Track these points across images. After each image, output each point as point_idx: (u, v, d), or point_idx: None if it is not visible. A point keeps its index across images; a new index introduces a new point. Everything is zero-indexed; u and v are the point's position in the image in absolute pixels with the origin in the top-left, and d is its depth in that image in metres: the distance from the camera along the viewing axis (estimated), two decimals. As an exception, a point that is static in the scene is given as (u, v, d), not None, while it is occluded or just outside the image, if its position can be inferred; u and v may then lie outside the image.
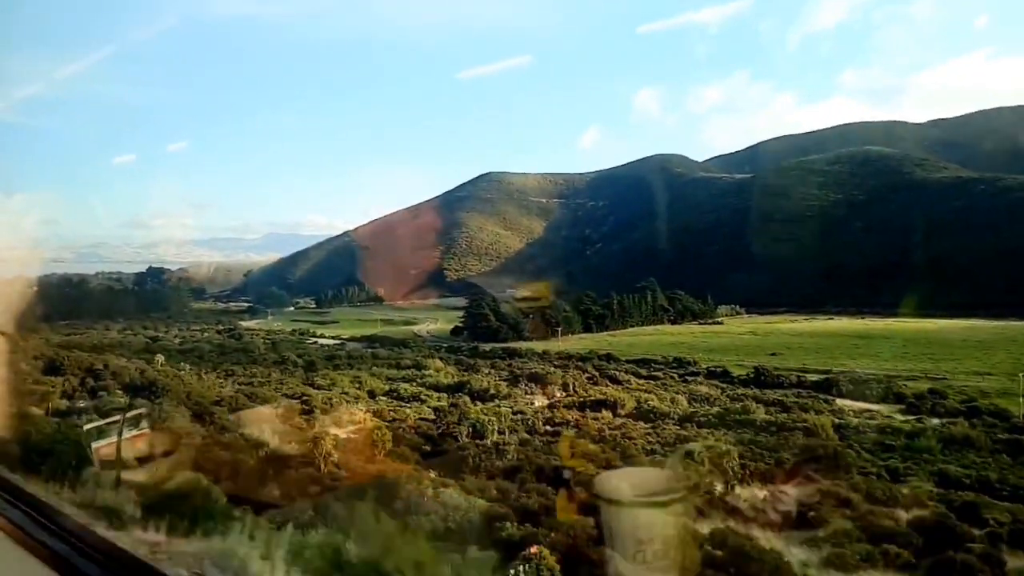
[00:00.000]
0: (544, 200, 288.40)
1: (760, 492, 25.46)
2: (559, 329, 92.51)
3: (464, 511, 17.37)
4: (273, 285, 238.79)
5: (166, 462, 12.75)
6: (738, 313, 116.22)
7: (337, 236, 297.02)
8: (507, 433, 33.78)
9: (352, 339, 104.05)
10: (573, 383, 55.91)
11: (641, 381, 59.15)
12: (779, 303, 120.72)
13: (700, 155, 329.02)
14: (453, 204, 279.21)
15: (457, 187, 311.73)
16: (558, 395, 54.03)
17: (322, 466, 23.03)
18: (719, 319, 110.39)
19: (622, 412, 46.64)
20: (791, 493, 25.41)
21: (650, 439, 36.06)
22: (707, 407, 47.06)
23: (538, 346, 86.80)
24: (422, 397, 51.59)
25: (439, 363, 67.82)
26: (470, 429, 31.32)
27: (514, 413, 44.16)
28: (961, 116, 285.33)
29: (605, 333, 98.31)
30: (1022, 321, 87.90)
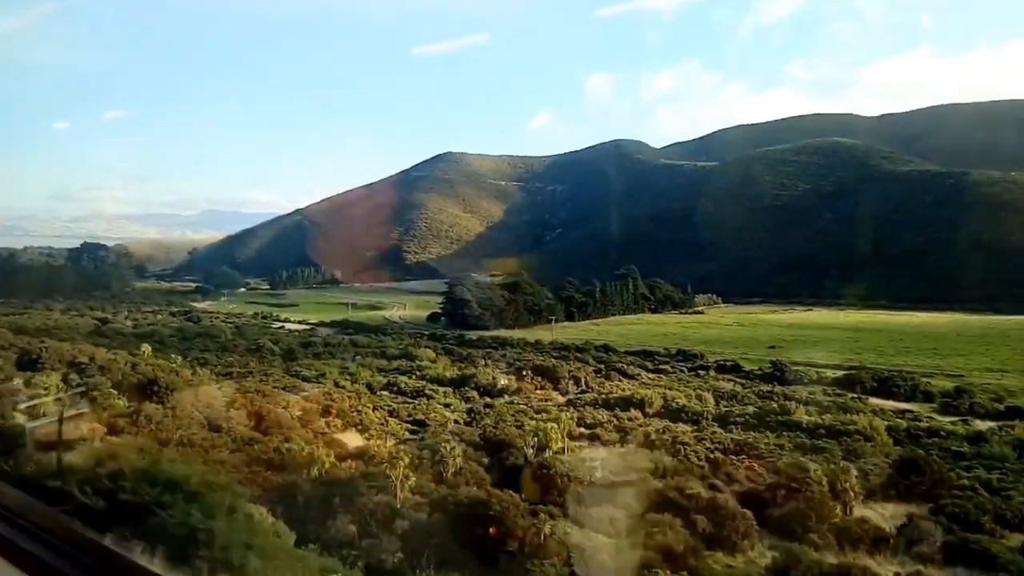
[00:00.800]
0: (503, 183, 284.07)
1: (884, 514, 22.58)
2: (552, 319, 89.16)
3: (591, 553, 13.75)
4: (221, 264, 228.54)
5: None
6: (715, 303, 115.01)
7: (287, 214, 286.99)
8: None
9: (320, 324, 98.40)
10: (584, 377, 52.43)
11: (651, 375, 56.21)
12: (752, 292, 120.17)
13: (653, 142, 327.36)
14: (411, 184, 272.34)
15: (414, 166, 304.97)
16: (572, 390, 50.51)
17: (398, 492, 18.74)
18: (699, 308, 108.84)
19: (650, 411, 43.45)
20: (917, 515, 22.55)
21: (708, 445, 32.80)
22: (739, 406, 44.23)
23: (526, 334, 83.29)
24: (427, 392, 47.31)
25: (430, 353, 63.48)
26: (534, 440, 27.32)
27: (536, 411, 40.52)
28: (910, 112, 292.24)
29: (588, 322, 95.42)
30: (1000, 316, 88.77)
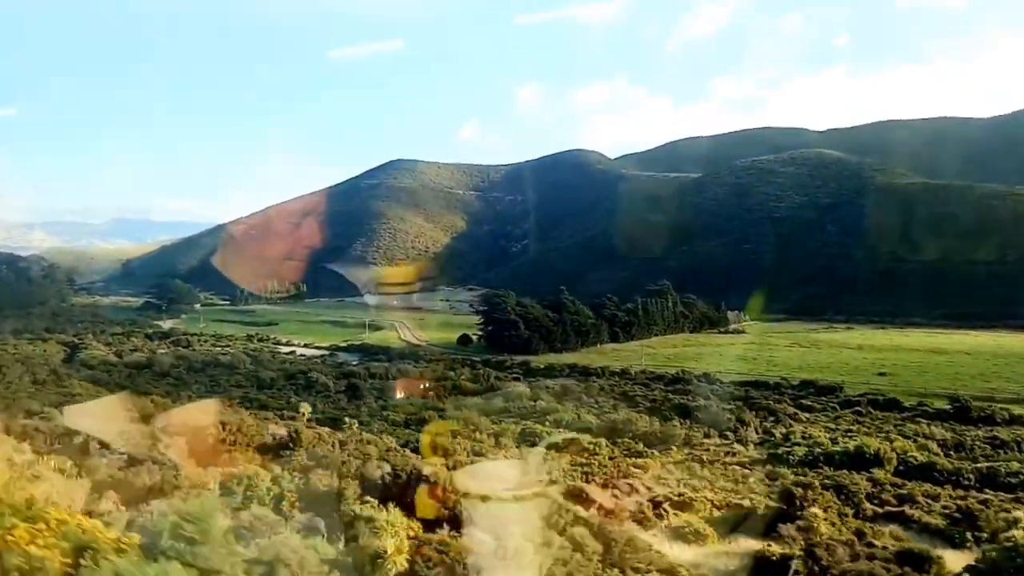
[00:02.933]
0: (461, 192, 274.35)
1: None
2: (597, 341, 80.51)
3: None
4: (160, 275, 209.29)
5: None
6: (743, 320, 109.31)
7: (232, 222, 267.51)
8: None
9: (334, 348, 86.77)
10: (757, 424, 44.38)
11: (806, 414, 48.71)
12: (768, 308, 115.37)
13: (606, 152, 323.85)
14: (363, 192, 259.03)
15: (364, 174, 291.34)
16: (751, 438, 42.32)
17: None
18: (739, 327, 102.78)
19: (888, 469, 35.47)
20: None
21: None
22: (984, 461, 36.88)
23: (584, 358, 74.83)
24: (593, 449, 38.09)
25: (538, 393, 53.89)
26: None
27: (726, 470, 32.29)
28: (855, 127, 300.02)
29: (635, 343, 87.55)
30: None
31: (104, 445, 10.72)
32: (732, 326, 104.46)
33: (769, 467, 36.03)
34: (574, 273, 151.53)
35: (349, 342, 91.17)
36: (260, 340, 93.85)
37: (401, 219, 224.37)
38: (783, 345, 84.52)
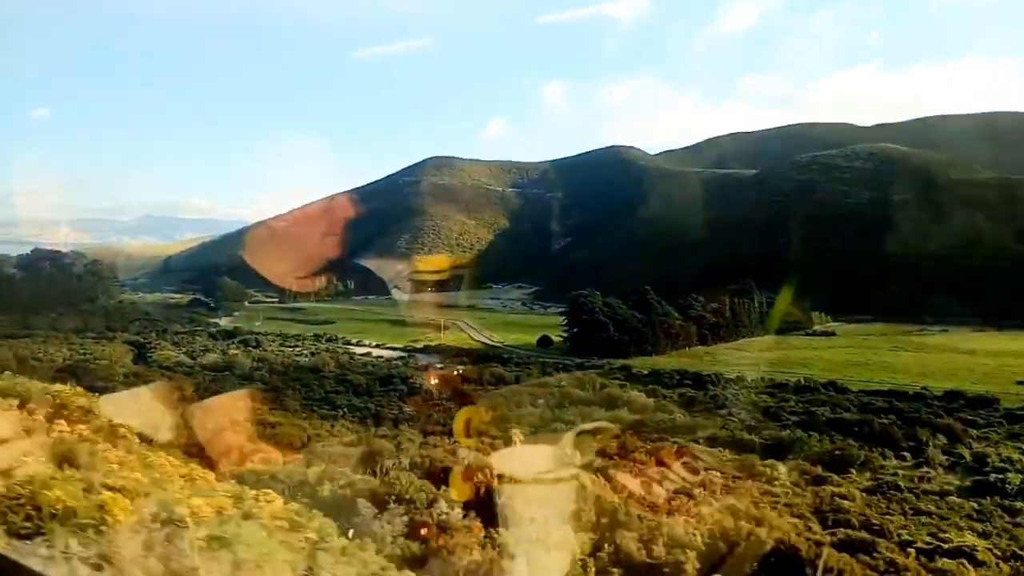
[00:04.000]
0: (501, 189, 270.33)
1: None
2: (686, 344, 75.78)
3: None
4: (202, 272, 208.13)
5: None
6: (825, 321, 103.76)
7: (272, 219, 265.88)
8: None
9: (410, 350, 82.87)
10: (934, 442, 39.58)
11: (973, 430, 43.65)
12: (843, 308, 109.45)
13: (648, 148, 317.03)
14: (401, 189, 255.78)
15: (401, 171, 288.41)
16: (940, 460, 37.59)
17: None
18: (828, 329, 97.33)
19: None
20: None
21: None
22: None
23: (689, 363, 70.13)
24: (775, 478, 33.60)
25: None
26: None
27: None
28: (904, 122, 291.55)
29: (724, 345, 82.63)
30: None
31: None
32: (817, 327, 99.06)
33: (986, 499, 31.31)
34: (627, 271, 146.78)
35: (421, 342, 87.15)
36: (329, 340, 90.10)
37: (444, 216, 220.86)
38: (886, 349, 78.97)
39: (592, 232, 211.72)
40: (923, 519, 28.01)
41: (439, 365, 69.37)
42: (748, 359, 73.42)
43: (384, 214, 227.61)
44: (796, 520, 25.80)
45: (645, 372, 63.66)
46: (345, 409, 47.20)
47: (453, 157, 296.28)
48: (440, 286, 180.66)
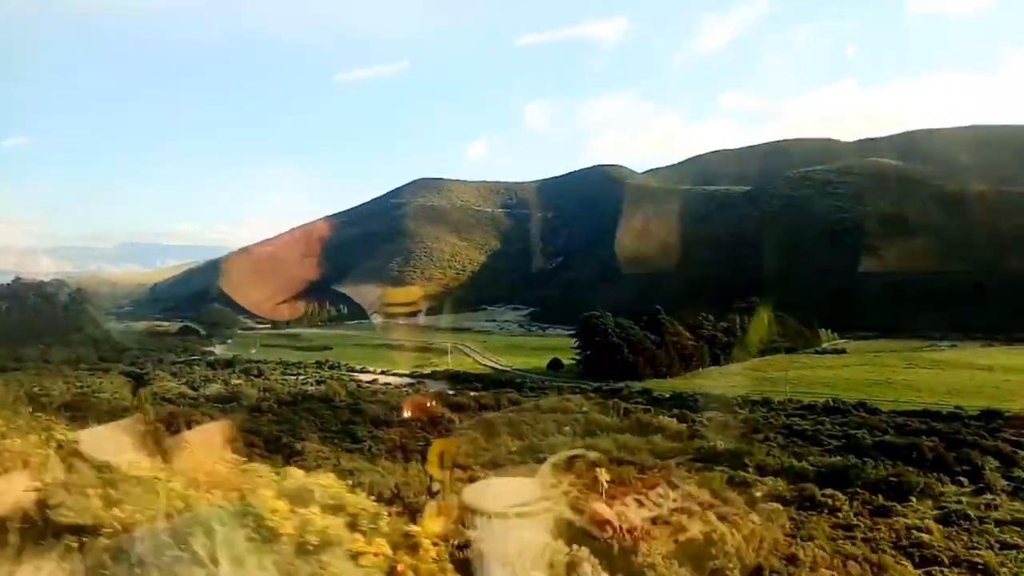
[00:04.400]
0: (490, 210, 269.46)
1: None
2: (699, 365, 74.29)
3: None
4: (188, 299, 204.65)
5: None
6: (833, 338, 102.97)
7: (257, 244, 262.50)
8: None
9: (418, 376, 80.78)
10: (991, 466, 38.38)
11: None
12: (848, 326, 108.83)
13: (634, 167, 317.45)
14: (389, 211, 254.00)
15: (389, 193, 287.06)
16: (1003, 487, 36.39)
17: None
18: (838, 347, 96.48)
19: None
20: None
21: None
22: None
23: (709, 384, 68.68)
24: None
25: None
26: None
27: None
28: (889, 136, 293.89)
29: (736, 365, 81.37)
30: None
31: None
32: (824, 344, 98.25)
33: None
34: (621, 291, 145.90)
35: (426, 368, 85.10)
36: (331, 367, 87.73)
37: (435, 238, 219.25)
38: (901, 366, 78.02)
39: (583, 252, 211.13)
40: (1011, 553, 26.61)
41: (451, 392, 67.31)
42: (766, 379, 72.19)
43: (374, 236, 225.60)
44: (886, 558, 24.33)
45: (667, 395, 62.08)
46: (369, 442, 45.14)
47: (440, 178, 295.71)
48: (433, 309, 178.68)
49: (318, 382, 72.20)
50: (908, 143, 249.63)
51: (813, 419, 52.14)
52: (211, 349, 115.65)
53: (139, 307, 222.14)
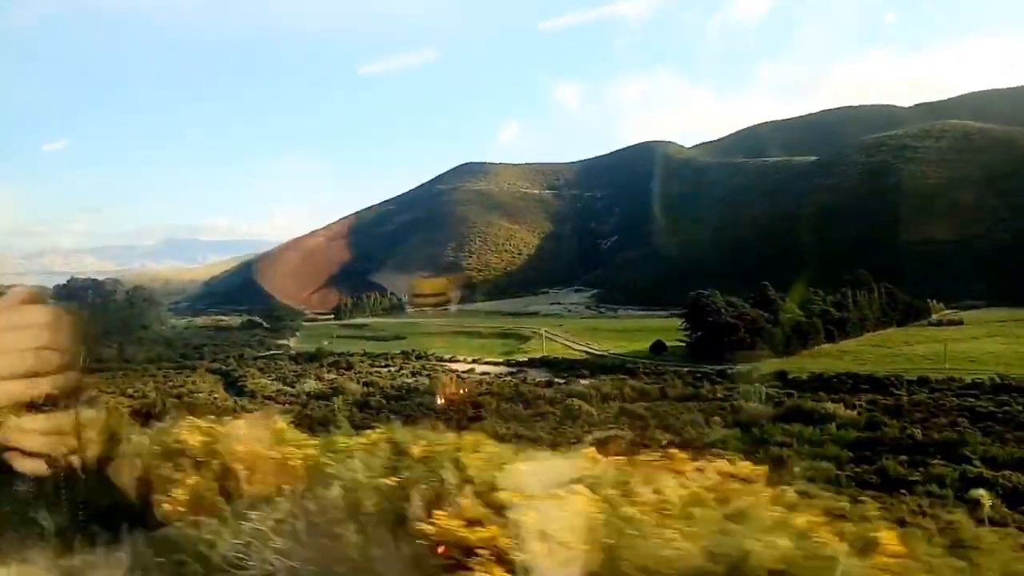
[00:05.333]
0: (537, 191, 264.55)
1: None
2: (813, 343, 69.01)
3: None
4: (239, 292, 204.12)
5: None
6: (940, 309, 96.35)
7: (307, 235, 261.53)
8: None
9: (517, 364, 76.98)
10: None
11: None
12: (950, 295, 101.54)
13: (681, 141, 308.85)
14: (437, 197, 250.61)
15: (436, 179, 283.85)
16: None
17: None
18: (954, 318, 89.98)
19: None
20: None
21: None
22: None
23: (838, 363, 63.42)
24: None
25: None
26: None
27: None
28: (949, 99, 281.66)
29: (853, 341, 75.92)
30: None
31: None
32: (935, 317, 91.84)
33: None
34: (693, 269, 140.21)
35: (514, 355, 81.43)
36: (418, 357, 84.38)
37: (487, 222, 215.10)
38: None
39: (639, 230, 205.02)
40: None
41: (560, 380, 63.21)
42: (897, 355, 66.75)
43: (425, 223, 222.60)
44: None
45: (804, 377, 57.02)
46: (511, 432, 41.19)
47: (485, 162, 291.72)
48: (494, 294, 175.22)
49: (413, 374, 68.73)
50: (972, 105, 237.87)
51: (989, 399, 46.83)
52: (284, 342, 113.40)
53: (194, 302, 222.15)
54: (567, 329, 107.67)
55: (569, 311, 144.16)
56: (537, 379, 65.39)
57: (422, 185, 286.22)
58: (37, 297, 1.37)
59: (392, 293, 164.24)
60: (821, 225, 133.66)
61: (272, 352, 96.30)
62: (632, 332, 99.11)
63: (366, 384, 63.24)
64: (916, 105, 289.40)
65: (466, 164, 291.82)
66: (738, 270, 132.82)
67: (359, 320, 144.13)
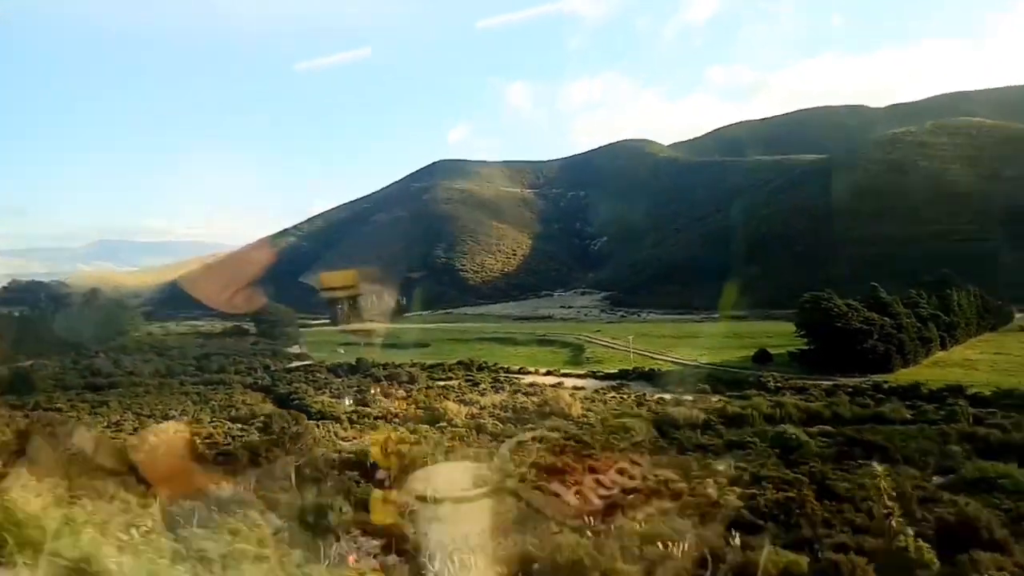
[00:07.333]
0: (519, 190, 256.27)
1: None
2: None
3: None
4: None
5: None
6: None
7: (277, 233, 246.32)
8: None
9: (605, 377, 67.92)
10: None
11: None
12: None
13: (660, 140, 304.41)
14: (415, 196, 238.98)
15: (411, 175, 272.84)
16: None
17: None
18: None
19: None
20: None
21: None
22: None
23: (985, 376, 56.71)
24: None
25: None
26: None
27: None
28: (922, 100, 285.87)
29: (968, 348, 69.66)
30: None
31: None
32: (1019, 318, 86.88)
33: None
34: (703, 270, 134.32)
35: (583, 367, 72.47)
36: (479, 369, 74.31)
37: (476, 221, 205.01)
38: None
39: (632, 230, 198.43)
40: None
41: (688, 397, 54.51)
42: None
43: (405, 222, 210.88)
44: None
45: (987, 393, 49.69)
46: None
47: (464, 160, 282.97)
48: (493, 296, 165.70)
49: (519, 393, 58.96)
50: (942, 105, 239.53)
51: None
52: (291, 350, 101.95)
53: (157, 307, 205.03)
54: (609, 335, 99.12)
55: (586, 315, 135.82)
56: (655, 395, 56.59)
57: (396, 183, 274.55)
58: None
59: (400, 295, 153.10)
60: (850, 223, 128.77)
61: (304, 363, 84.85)
62: (686, 338, 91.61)
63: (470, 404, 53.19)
64: (891, 106, 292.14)
65: (442, 161, 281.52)
66: (761, 271, 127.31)
67: (361, 325, 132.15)
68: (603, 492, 21.78)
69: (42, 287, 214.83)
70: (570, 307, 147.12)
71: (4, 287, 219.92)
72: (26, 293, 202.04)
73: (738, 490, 31.25)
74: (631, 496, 23.78)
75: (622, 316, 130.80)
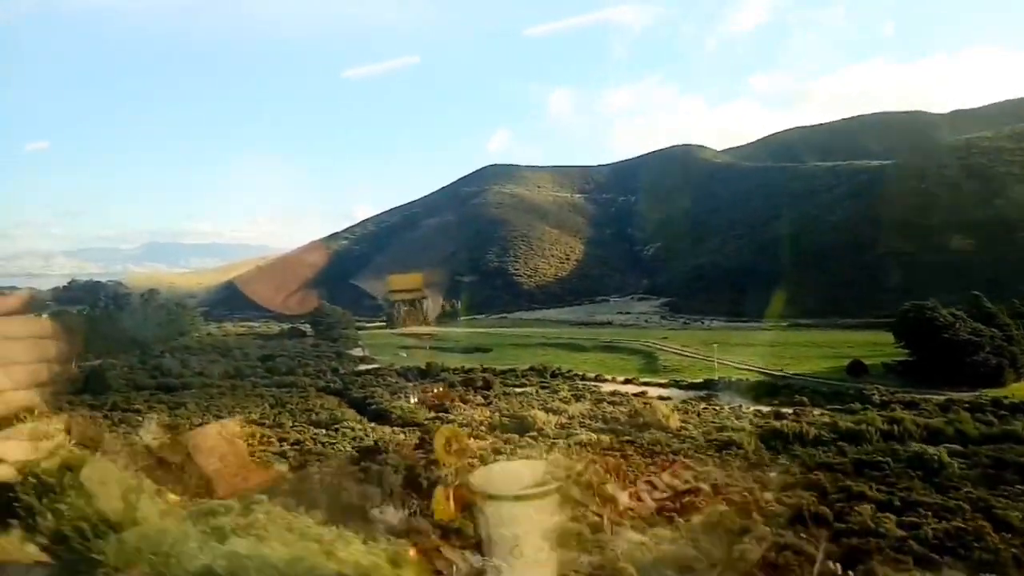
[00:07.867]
0: (568, 195, 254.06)
1: None
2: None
3: None
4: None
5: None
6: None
7: (330, 236, 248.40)
8: None
9: (683, 384, 65.14)
10: None
11: None
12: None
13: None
14: (464, 200, 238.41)
15: (460, 180, 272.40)
16: None
17: None
18: None
19: None
20: None
21: None
22: None
23: None
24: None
25: None
26: None
27: None
28: (987, 105, 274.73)
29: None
30: None
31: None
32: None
33: None
34: (764, 277, 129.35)
35: (661, 375, 69.78)
36: (553, 376, 72.10)
37: (528, 226, 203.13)
38: None
39: (685, 237, 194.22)
40: None
41: (787, 410, 51.49)
42: None
43: (457, 227, 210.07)
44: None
45: None
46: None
47: (513, 164, 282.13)
48: (547, 302, 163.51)
49: (602, 401, 56.68)
50: (1008, 111, 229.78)
51: None
52: (353, 353, 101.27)
53: (217, 306, 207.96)
54: (677, 342, 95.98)
55: (647, 321, 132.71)
56: (751, 407, 53.72)
57: (445, 187, 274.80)
58: (28, 304, 1.44)
59: (453, 300, 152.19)
60: (923, 230, 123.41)
61: (372, 367, 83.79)
62: (758, 346, 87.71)
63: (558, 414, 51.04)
64: (952, 112, 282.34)
65: (491, 166, 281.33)
66: (827, 279, 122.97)
67: (419, 328, 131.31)
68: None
69: (101, 287, 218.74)
70: (628, 313, 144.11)
71: (64, 287, 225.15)
72: (85, 293, 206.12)
73: (893, 517, 28.55)
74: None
75: (685, 323, 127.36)
